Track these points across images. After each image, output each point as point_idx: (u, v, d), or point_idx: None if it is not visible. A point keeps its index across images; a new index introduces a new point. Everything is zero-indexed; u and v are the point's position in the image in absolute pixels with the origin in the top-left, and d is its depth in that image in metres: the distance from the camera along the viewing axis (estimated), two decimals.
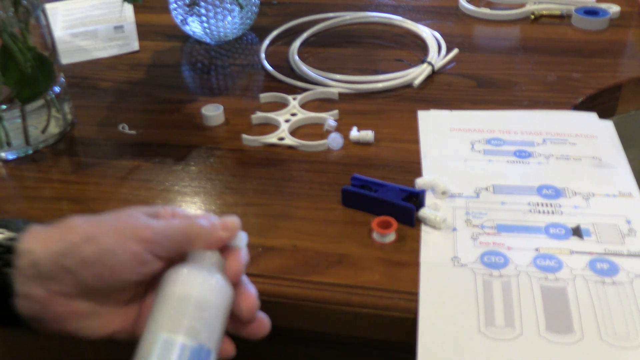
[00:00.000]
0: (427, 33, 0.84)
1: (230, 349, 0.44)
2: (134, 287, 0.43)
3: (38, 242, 0.41)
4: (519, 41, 0.84)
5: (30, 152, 0.67)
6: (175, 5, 0.83)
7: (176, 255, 0.43)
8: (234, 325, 0.44)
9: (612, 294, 0.47)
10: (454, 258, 0.51)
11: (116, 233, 0.41)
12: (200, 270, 0.42)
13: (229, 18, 0.83)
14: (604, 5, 0.88)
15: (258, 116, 0.69)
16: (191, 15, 0.83)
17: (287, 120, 0.68)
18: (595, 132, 0.65)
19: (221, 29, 0.84)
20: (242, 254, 0.45)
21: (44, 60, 0.64)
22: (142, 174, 0.63)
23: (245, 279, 0.45)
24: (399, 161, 0.62)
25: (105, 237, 0.41)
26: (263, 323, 0.45)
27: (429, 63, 0.77)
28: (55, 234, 0.41)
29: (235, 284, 0.43)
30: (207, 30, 0.84)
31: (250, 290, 0.44)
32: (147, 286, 0.44)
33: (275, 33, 0.87)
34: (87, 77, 0.81)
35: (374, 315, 0.48)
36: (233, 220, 0.45)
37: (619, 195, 0.56)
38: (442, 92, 0.73)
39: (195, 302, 0.40)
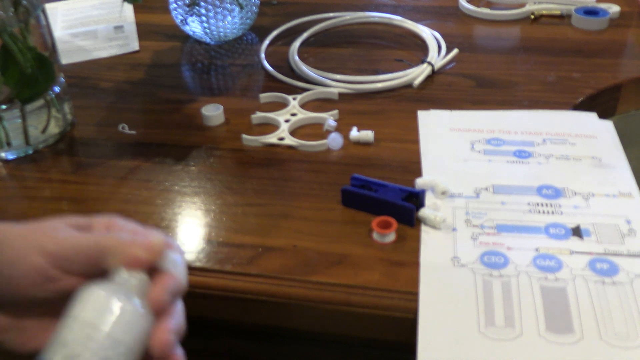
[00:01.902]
0: (427, 33, 0.84)
1: None
2: (58, 302, 0.39)
3: None
4: (519, 41, 0.84)
5: (30, 152, 0.67)
6: (175, 5, 0.83)
7: (93, 272, 0.38)
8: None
9: (612, 294, 0.47)
10: (454, 258, 0.51)
11: (20, 243, 0.38)
12: (112, 292, 0.37)
13: (229, 18, 0.83)
14: (603, 5, 0.88)
15: (258, 116, 0.69)
16: (191, 15, 0.83)
17: (287, 120, 0.68)
18: (595, 132, 0.65)
19: (221, 29, 0.84)
20: (171, 280, 0.38)
21: (44, 60, 0.64)
22: (142, 174, 0.63)
23: (177, 308, 0.39)
24: (399, 161, 0.62)
25: (8, 247, 0.38)
26: None
27: (429, 63, 0.77)
28: None
29: (158, 313, 0.38)
30: (207, 30, 0.84)
31: (168, 326, 0.38)
32: None
33: (275, 33, 0.87)
34: (87, 77, 0.81)
35: (374, 315, 0.48)
36: (158, 240, 0.39)
37: (619, 195, 0.56)
38: (442, 92, 0.73)
39: (94, 330, 0.36)
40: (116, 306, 0.36)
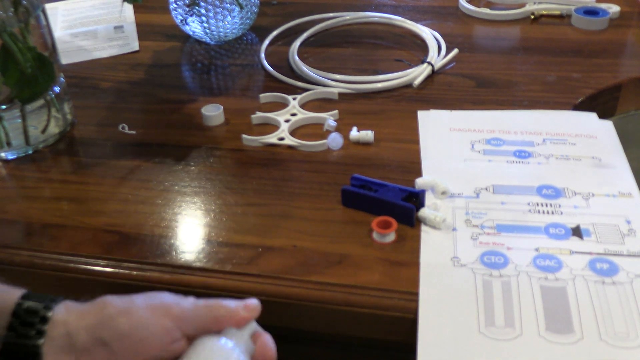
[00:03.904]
0: (427, 33, 0.84)
1: None
2: None
3: (72, 315, 0.42)
4: (519, 41, 0.84)
5: (30, 152, 0.67)
6: (175, 5, 0.83)
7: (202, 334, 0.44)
8: None
9: (612, 294, 0.47)
10: (454, 258, 0.51)
11: (149, 308, 0.42)
12: (227, 346, 0.42)
13: (229, 18, 0.83)
14: (603, 5, 0.88)
15: (258, 116, 0.69)
16: (191, 15, 0.83)
17: (287, 121, 0.68)
18: (595, 132, 0.65)
19: (221, 29, 0.84)
20: (269, 340, 0.45)
21: (44, 60, 0.64)
22: (142, 174, 0.63)
23: None
24: (399, 161, 0.62)
25: (139, 311, 0.42)
26: None
27: (429, 63, 0.77)
28: (89, 308, 0.43)
29: None
30: (207, 30, 0.84)
31: None
32: None
33: (275, 33, 0.87)
34: (87, 77, 0.81)
35: (374, 315, 0.48)
36: (254, 302, 0.45)
37: (619, 195, 0.56)
38: (442, 92, 0.73)
39: None
40: (227, 354, 0.42)
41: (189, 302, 0.44)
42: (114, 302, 0.43)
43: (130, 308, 0.42)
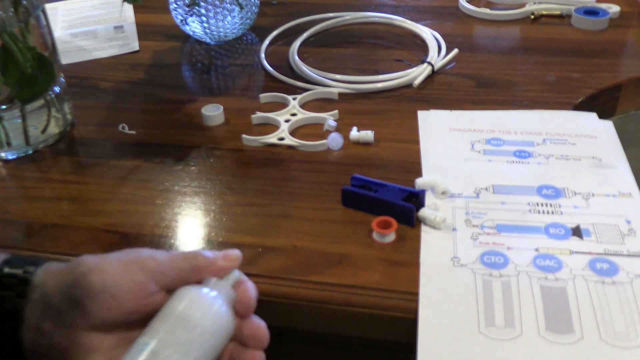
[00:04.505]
0: (427, 33, 0.84)
1: None
2: (138, 321, 0.43)
3: (49, 276, 0.42)
4: (519, 41, 0.84)
5: (30, 152, 0.67)
6: (175, 5, 0.83)
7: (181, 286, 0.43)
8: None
9: (612, 294, 0.47)
10: (454, 258, 0.51)
11: (121, 264, 0.42)
12: (206, 293, 0.42)
13: (229, 18, 0.83)
14: (603, 5, 0.88)
15: (258, 116, 0.69)
16: (191, 15, 0.83)
17: (287, 121, 0.68)
18: (595, 132, 0.65)
19: (221, 29, 0.84)
20: (251, 286, 0.44)
21: (44, 60, 0.64)
22: (142, 174, 0.63)
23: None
24: (399, 161, 0.62)
25: (110, 267, 0.41)
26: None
27: (429, 63, 0.77)
28: (65, 268, 0.42)
29: (245, 313, 0.44)
30: (207, 30, 0.84)
31: (258, 322, 0.44)
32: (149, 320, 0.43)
33: (275, 33, 0.87)
34: (87, 77, 0.81)
35: (374, 315, 0.48)
36: (234, 251, 0.45)
37: (619, 195, 0.56)
38: (442, 92, 0.73)
39: (186, 321, 0.40)
40: (207, 303, 0.41)
41: (165, 254, 0.43)
42: (86, 260, 0.42)
43: (102, 265, 0.42)
